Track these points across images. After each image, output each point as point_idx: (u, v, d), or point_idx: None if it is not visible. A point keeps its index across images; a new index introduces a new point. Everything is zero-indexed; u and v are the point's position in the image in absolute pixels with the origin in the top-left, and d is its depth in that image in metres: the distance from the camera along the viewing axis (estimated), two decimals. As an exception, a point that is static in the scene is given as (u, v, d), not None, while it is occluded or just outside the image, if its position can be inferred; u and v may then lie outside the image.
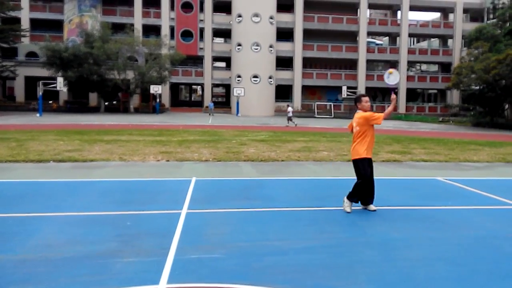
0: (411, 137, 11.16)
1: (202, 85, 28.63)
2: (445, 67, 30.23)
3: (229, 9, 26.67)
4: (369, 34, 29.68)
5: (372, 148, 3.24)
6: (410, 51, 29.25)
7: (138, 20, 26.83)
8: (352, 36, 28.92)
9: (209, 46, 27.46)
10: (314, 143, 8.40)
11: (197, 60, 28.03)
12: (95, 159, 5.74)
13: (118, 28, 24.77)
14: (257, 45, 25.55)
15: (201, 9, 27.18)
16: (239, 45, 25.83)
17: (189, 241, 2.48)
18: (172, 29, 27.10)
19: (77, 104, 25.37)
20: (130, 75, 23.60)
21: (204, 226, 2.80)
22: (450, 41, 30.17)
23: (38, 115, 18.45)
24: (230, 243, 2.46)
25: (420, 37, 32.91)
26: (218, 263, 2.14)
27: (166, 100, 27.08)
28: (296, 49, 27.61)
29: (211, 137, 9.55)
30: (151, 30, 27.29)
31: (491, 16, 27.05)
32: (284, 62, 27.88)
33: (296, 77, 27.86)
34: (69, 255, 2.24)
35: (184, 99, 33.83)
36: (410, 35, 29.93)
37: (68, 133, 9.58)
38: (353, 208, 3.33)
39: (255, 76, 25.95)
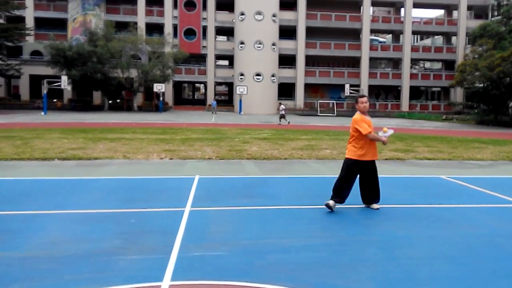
0: (414, 135, 11.04)
1: (205, 83, 28.63)
2: (448, 64, 29.72)
3: (232, 7, 26.52)
4: (372, 31, 29.25)
5: (371, 151, 3.14)
6: (414, 49, 28.75)
7: (141, 18, 26.83)
8: (355, 34, 28.61)
9: (212, 44, 27.40)
10: (316, 141, 8.35)
11: (200, 59, 27.98)
12: (99, 157, 5.77)
13: (121, 26, 24.77)
14: (260, 43, 25.43)
15: (204, 7, 27.10)
16: (242, 43, 25.73)
17: (192, 239, 2.47)
18: (175, 28, 27.07)
19: (81, 102, 25.51)
20: (133, 73, 23.66)
21: (207, 224, 2.80)
22: (454, 39, 29.47)
23: (42, 113, 18.55)
24: (233, 241, 2.46)
25: (423, 34, 32.47)
26: (221, 261, 2.14)
27: (169, 98, 27.12)
28: (299, 47, 27.45)
29: (214, 135, 9.55)
30: (154, 29, 27.29)
31: (496, 13, 26.59)
32: (286, 60, 27.74)
33: (298, 75, 27.72)
34: (73, 252, 2.24)
35: (187, 97, 33.88)
36: (414, 33, 29.50)
37: (72, 131, 9.64)
38: (355, 206, 3.30)
39: (258, 74, 25.84)
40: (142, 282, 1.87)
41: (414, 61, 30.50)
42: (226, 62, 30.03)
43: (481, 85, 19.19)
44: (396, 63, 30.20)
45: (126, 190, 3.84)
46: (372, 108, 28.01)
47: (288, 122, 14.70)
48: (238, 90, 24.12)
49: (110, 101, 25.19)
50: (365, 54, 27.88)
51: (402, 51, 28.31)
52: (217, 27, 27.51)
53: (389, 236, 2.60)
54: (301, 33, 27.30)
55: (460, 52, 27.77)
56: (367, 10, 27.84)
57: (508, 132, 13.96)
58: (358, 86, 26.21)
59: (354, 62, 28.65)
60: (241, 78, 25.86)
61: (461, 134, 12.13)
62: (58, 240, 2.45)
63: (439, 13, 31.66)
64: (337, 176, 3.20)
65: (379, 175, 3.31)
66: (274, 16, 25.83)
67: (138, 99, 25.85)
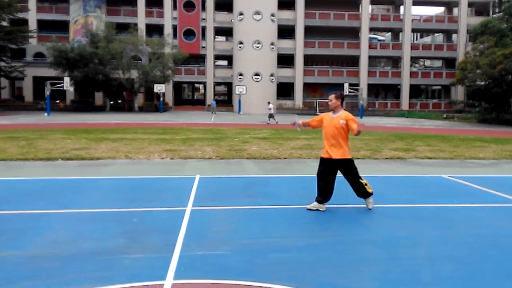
0: (414, 134, 10.89)
1: (204, 83, 28.56)
2: (449, 62, 28.98)
3: (230, 7, 26.41)
4: (371, 30, 28.89)
5: (328, 148, 3.12)
6: (413, 47, 28.17)
7: (141, 20, 26.73)
8: (354, 33, 28.32)
9: (211, 45, 27.29)
10: (316, 141, 8.31)
11: (200, 59, 27.90)
12: (102, 157, 5.77)
13: (122, 28, 24.71)
14: (259, 43, 25.32)
15: (203, 7, 26.97)
16: (241, 43, 25.63)
17: (194, 238, 2.48)
18: (174, 28, 26.95)
19: (83, 103, 25.46)
20: (134, 74, 23.61)
21: (208, 223, 2.80)
22: (454, 36, 28.69)
23: (46, 114, 18.51)
24: (234, 240, 2.46)
25: (423, 32, 31.95)
26: (223, 260, 2.14)
27: (169, 98, 27.05)
28: (298, 46, 27.28)
29: (214, 135, 9.54)
30: (154, 30, 27.19)
31: (497, 9, 26.12)
32: (285, 60, 27.60)
33: (297, 75, 27.58)
34: (77, 251, 2.25)
35: (187, 97, 33.77)
36: (413, 31, 28.85)
37: (75, 132, 9.63)
38: (355, 206, 3.29)
39: (257, 74, 25.77)
40: (146, 281, 1.88)
41: (414, 59, 30.10)
42: (225, 62, 29.94)
43: (483, 83, 18.89)
44: (395, 61, 29.80)
45: (129, 189, 3.84)
46: (372, 107, 27.63)
47: (277, 122, 14.51)
48: (237, 90, 24.08)
49: (111, 102, 25.17)
50: (364, 53, 27.60)
51: (402, 49, 27.77)
52: (216, 27, 27.41)
53: (390, 236, 2.57)
54: (299, 32, 27.11)
55: (461, 50, 27.08)
56: (366, 8, 27.48)
57: (511, 131, 13.80)
58: (357, 85, 25.90)
59: (353, 61, 28.39)
60: (240, 78, 25.80)
61: (463, 132, 11.94)
62: (62, 239, 2.46)
63: (439, 10, 31.33)
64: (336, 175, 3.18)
65: (379, 175, 3.30)
66: (272, 15, 25.70)
67: (139, 100, 25.80)
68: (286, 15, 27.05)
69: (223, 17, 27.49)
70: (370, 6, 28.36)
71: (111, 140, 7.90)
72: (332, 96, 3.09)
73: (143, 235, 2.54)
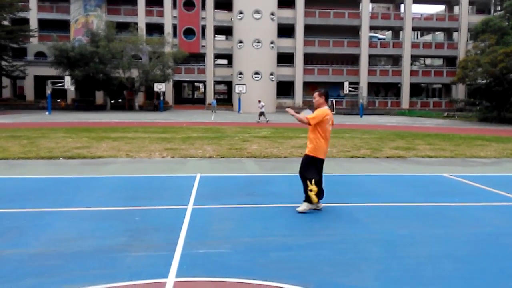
0: (415, 132, 10.74)
1: (204, 82, 28.49)
2: (450, 61, 28.67)
3: (230, 6, 26.29)
4: (372, 28, 28.67)
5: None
6: (414, 45, 27.84)
7: (141, 19, 26.61)
8: (354, 31, 28.13)
9: (211, 44, 27.18)
10: None
11: (199, 58, 27.81)
12: (103, 156, 5.77)
13: (122, 27, 24.61)
14: (258, 42, 25.22)
15: (203, 6, 26.85)
16: (241, 42, 25.55)
17: (195, 236, 2.48)
18: (174, 27, 26.84)
19: (84, 102, 25.42)
20: (134, 73, 23.55)
21: (209, 222, 2.81)
22: (455, 34, 28.38)
23: (47, 113, 18.45)
24: (235, 239, 2.46)
25: (424, 30, 31.69)
26: (225, 258, 2.14)
27: (169, 97, 27.01)
28: (297, 45, 27.15)
29: (214, 134, 9.52)
30: (155, 29, 27.09)
31: (498, 8, 25.87)
32: (285, 59, 27.52)
33: (297, 73, 27.48)
34: (80, 249, 2.26)
35: (187, 96, 33.72)
36: (414, 29, 28.49)
37: (76, 131, 9.62)
38: (354, 204, 3.27)
39: (257, 73, 25.71)
40: (148, 279, 1.88)
41: (414, 58, 29.81)
42: (225, 61, 29.87)
43: (484, 81, 18.65)
44: (396, 60, 29.57)
45: (130, 188, 3.85)
46: (372, 106, 27.42)
47: (267, 121, 14.44)
48: (237, 89, 24.02)
49: (112, 101, 25.11)
50: (364, 51, 27.41)
51: (402, 47, 27.46)
52: (216, 26, 27.28)
53: (391, 235, 2.55)
54: (299, 31, 26.97)
55: (461, 48, 26.87)
56: (366, 6, 27.27)
57: (512, 129, 13.78)
58: (357, 83, 25.74)
59: (353, 60, 28.24)
60: (240, 77, 25.75)
61: (464, 131, 11.80)
62: (65, 237, 2.46)
63: (440, 8, 30.88)
64: (334, 174, 3.21)
65: (380, 173, 3.28)
66: (272, 14, 25.58)
67: (139, 99, 25.75)
68: (286, 14, 26.92)
69: (223, 16, 27.37)
70: (370, 4, 28.09)
71: (112, 139, 7.89)
72: (315, 94, 3.04)
73: (145, 233, 2.55)
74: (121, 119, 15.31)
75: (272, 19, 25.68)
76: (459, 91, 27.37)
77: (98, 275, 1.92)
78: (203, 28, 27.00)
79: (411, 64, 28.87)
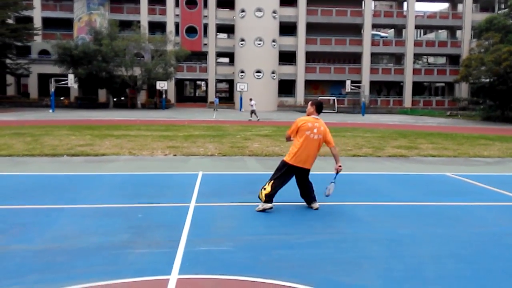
0: (417, 131, 10.59)
1: (206, 80, 28.45)
2: (453, 59, 28.20)
3: (232, 4, 26.13)
4: (374, 26, 28.40)
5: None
6: (417, 43, 27.45)
7: (144, 17, 26.56)
8: (356, 29, 27.84)
9: (213, 42, 27.10)
10: None
11: (201, 56, 27.77)
12: (106, 153, 5.79)
13: (125, 25, 24.58)
14: (260, 40, 25.10)
15: (205, 5, 26.74)
16: (242, 40, 25.45)
17: (198, 234, 2.49)
18: (177, 26, 26.80)
19: (87, 100, 25.50)
20: (137, 71, 23.55)
21: (212, 219, 2.81)
22: (458, 32, 27.85)
23: (50, 111, 18.53)
24: (237, 236, 2.46)
25: (427, 28, 31.30)
26: (227, 256, 2.14)
27: (171, 96, 27.01)
28: (299, 43, 26.96)
29: (216, 132, 9.52)
30: (157, 27, 27.04)
31: (503, 5, 25.43)
32: (287, 57, 27.35)
33: (299, 72, 27.31)
34: (84, 245, 2.27)
35: (188, 94, 33.65)
36: (417, 27, 27.96)
37: (79, 128, 9.65)
38: (356, 203, 3.25)
39: (258, 71, 25.63)
40: (151, 276, 1.89)
41: (417, 56, 28.97)
42: (226, 60, 29.70)
43: (487, 80, 18.38)
44: (398, 58, 29.21)
45: (133, 185, 3.86)
46: (374, 105, 27.18)
47: (258, 119, 14.35)
48: (239, 87, 23.96)
49: (114, 99, 25.17)
50: (366, 50, 27.14)
51: (405, 46, 27.09)
52: (218, 24, 27.16)
53: (393, 234, 2.53)
54: (301, 29, 26.76)
55: (465, 47, 26.36)
56: (369, 4, 26.99)
57: (516, 129, 13.56)
58: (360, 82, 25.47)
59: (355, 58, 27.98)
60: (241, 75, 25.69)
61: (467, 130, 11.65)
62: (69, 233, 2.47)
63: (443, 6, 30.41)
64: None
65: (382, 172, 3.25)
66: (274, 12, 25.42)
67: (142, 97, 25.80)
68: (288, 12, 26.73)
69: (225, 14, 27.22)
70: (373, 2, 27.81)
71: (115, 136, 7.92)
72: (310, 102, 3.12)
73: (148, 230, 2.56)
74: (124, 117, 15.34)
75: (274, 17, 25.51)
76: (462, 90, 27.05)
77: (102, 272, 1.93)
78: (205, 27, 26.90)
79: (414, 63, 28.50)
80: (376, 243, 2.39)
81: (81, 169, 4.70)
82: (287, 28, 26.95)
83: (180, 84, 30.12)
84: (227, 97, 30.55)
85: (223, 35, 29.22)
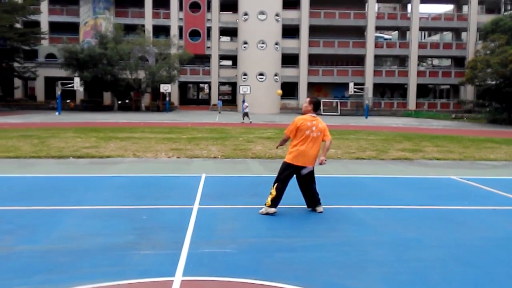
0: (422, 134, 10.42)
1: (209, 83, 28.62)
2: (458, 61, 27.76)
3: (235, 7, 26.32)
4: (378, 28, 27.77)
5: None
6: (421, 45, 27.08)
7: (148, 21, 26.90)
8: (359, 31, 27.69)
9: (216, 45, 27.28)
10: None
11: (205, 59, 27.90)
12: (111, 155, 5.85)
13: (130, 29, 24.92)
14: (263, 43, 25.21)
15: (208, 8, 26.94)
16: (245, 43, 25.59)
17: (201, 236, 2.50)
18: (180, 29, 27.01)
19: (92, 103, 25.81)
20: (141, 74, 23.80)
21: (215, 222, 2.82)
22: (464, 34, 27.48)
23: (57, 113, 18.78)
24: (241, 239, 2.46)
25: (431, 30, 30.93)
26: (230, 258, 2.14)
27: (175, 98, 27.18)
28: (302, 46, 27.00)
29: (219, 134, 9.55)
30: (161, 31, 27.33)
31: (509, 7, 25.26)
32: (289, 59, 27.38)
33: (301, 74, 27.32)
34: (89, 246, 2.29)
35: (192, 97, 33.91)
36: (421, 29, 27.59)
37: (85, 131, 9.76)
38: (360, 206, 3.22)
39: (261, 74, 25.71)
40: (156, 277, 1.90)
41: (421, 58, 28.65)
42: (229, 62, 29.87)
43: (493, 82, 18.14)
44: (402, 60, 28.92)
45: (137, 187, 3.89)
46: (377, 107, 26.90)
47: (250, 122, 14.34)
48: (242, 89, 24.00)
49: (119, 102, 25.45)
50: (370, 52, 26.98)
51: (409, 48, 26.70)
52: (221, 27, 27.36)
53: (398, 237, 2.51)
54: (304, 31, 26.79)
55: (470, 48, 26.02)
56: (372, 6, 26.79)
57: (523, 132, 13.33)
58: (363, 84, 25.35)
59: (359, 60, 27.84)
60: (244, 78, 25.78)
61: (472, 133, 11.46)
62: (75, 234, 2.50)
63: (448, 8, 30.06)
64: (339, 175, 3.18)
65: (386, 175, 3.21)
66: (277, 15, 25.53)
67: (146, 100, 26.05)
68: (290, 15, 26.78)
69: (228, 18, 27.42)
70: (377, 4, 27.58)
71: (119, 139, 7.99)
72: (307, 100, 3.03)
73: (152, 232, 2.57)
74: (128, 119, 15.47)
75: (276, 20, 25.62)
76: (468, 92, 26.66)
77: (107, 272, 1.95)
78: (209, 30, 27.10)
79: (418, 65, 28.19)
80: (381, 247, 2.36)
81: (87, 170, 4.76)
82: (290, 31, 27.00)
83: (183, 87, 30.36)
84: (230, 99, 30.69)
85: (226, 38, 29.43)
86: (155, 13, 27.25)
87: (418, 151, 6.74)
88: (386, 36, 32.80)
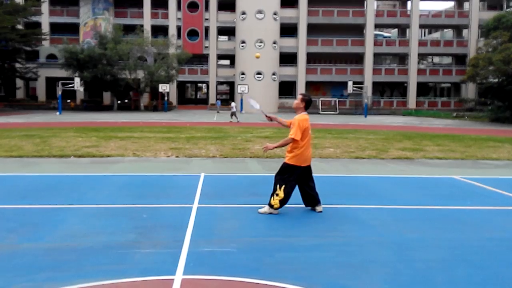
0: (423, 133, 10.05)
1: (207, 83, 28.49)
2: (459, 59, 26.93)
3: (233, 7, 26.07)
4: (377, 26, 27.14)
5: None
6: (421, 43, 26.34)
7: (147, 21, 26.65)
8: (358, 29, 26.74)
9: (214, 45, 27.05)
10: (319, 140, 8.01)
11: (203, 59, 27.70)
12: (111, 154, 5.83)
13: (129, 29, 24.68)
14: (261, 42, 24.93)
15: (206, 8, 26.69)
16: (243, 42, 25.38)
17: (201, 235, 2.49)
18: (179, 29, 26.79)
19: (92, 102, 25.64)
20: (140, 74, 23.64)
21: (215, 221, 2.81)
22: (465, 32, 26.68)
23: (58, 113, 18.63)
24: (240, 238, 2.44)
25: (432, 28, 29.75)
26: (231, 257, 2.13)
27: (173, 98, 27.00)
28: (300, 44, 26.62)
29: (217, 133, 9.50)
30: (159, 31, 27.12)
31: (511, 3, 24.72)
32: (287, 58, 27.12)
33: (299, 73, 26.98)
34: (91, 244, 2.30)
35: (190, 97, 33.68)
36: (421, 26, 26.93)
37: (85, 130, 9.69)
38: (360, 206, 3.13)
39: (259, 73, 25.57)
40: (157, 275, 1.91)
41: (421, 56, 27.86)
42: (227, 62, 29.67)
43: (496, 80, 17.64)
44: (402, 58, 28.30)
45: (137, 186, 3.88)
46: (377, 106, 26.32)
47: (238, 121, 14.42)
48: (239, 89, 23.96)
49: (118, 101, 25.30)
50: (369, 50, 26.16)
51: (409, 46, 25.97)
52: (219, 27, 27.12)
53: (400, 238, 2.44)
54: (302, 30, 26.36)
55: (472, 46, 25.16)
56: (371, 4, 26.08)
57: (527, 130, 12.98)
58: (362, 83, 24.92)
59: (358, 59, 27.33)
60: (242, 77, 25.64)
61: (474, 132, 11.03)
62: (77, 233, 2.50)
63: (449, 5, 29.66)
64: (339, 175, 3.10)
65: (387, 175, 3.12)
66: (275, 14, 25.26)
67: (145, 99, 25.89)
68: (289, 13, 26.39)
69: (226, 17, 27.15)
70: (376, 2, 27.10)
71: (119, 138, 7.95)
72: (299, 97, 2.90)
73: (152, 230, 2.58)
74: (128, 119, 15.37)
75: (274, 19, 25.36)
76: (469, 90, 25.95)
77: (110, 271, 1.96)
78: (207, 29, 26.88)
79: (418, 63, 27.46)
80: (383, 247, 2.29)
81: (88, 170, 4.75)
82: (288, 30, 26.68)
83: (181, 87, 30.17)
84: (228, 99, 30.56)
85: (224, 38, 29.17)
86: (153, 13, 26.98)
87: (419, 150, 6.52)
88: (385, 34, 32.09)
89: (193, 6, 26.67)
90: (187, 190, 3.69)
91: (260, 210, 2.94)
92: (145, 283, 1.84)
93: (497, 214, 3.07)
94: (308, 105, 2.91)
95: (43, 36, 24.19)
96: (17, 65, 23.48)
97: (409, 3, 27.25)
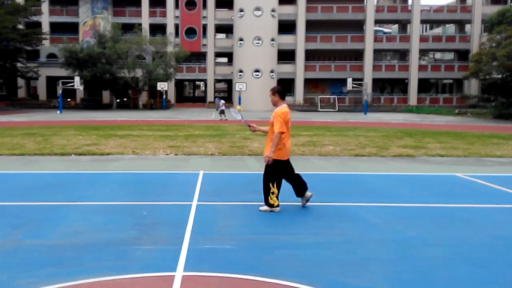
0: (424, 130, 9.74)
1: (205, 81, 28.25)
2: (462, 54, 25.76)
3: (231, 4, 25.66)
4: (377, 22, 25.96)
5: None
6: (423, 39, 25.25)
7: (145, 19, 26.33)
8: (358, 25, 25.69)
9: (212, 42, 26.71)
10: (318, 137, 7.81)
11: (200, 57, 27.39)
12: (111, 152, 5.81)
13: (127, 28, 24.36)
14: (259, 39, 24.58)
15: (204, 5, 26.35)
16: (241, 40, 25.06)
17: (201, 232, 2.49)
18: (176, 27, 26.48)
19: (92, 101, 25.41)
20: (138, 73, 23.42)
21: (214, 218, 2.80)
22: (467, 27, 25.69)
23: (58, 112, 18.48)
24: (240, 236, 2.43)
25: (433, 23, 28.14)
26: (230, 254, 2.12)
27: (171, 96, 26.71)
28: (299, 41, 26.03)
29: (216, 131, 9.45)
30: (158, 29, 26.82)
31: None
32: (286, 55, 26.63)
33: (298, 70, 26.48)
34: (93, 241, 2.30)
35: (188, 95, 33.34)
36: (423, 22, 25.87)
37: (86, 129, 9.64)
38: (361, 204, 3.09)
39: (257, 71, 25.33)
40: (157, 272, 1.91)
41: (423, 52, 26.64)
42: (225, 60, 29.19)
43: (499, 76, 16.66)
44: (403, 54, 27.36)
45: (137, 183, 3.87)
46: (377, 103, 25.56)
47: (226, 119, 14.26)
48: (237, 87, 23.75)
49: (118, 100, 25.08)
50: (369, 46, 25.16)
51: (410, 41, 24.93)
52: (217, 25, 26.75)
53: (401, 236, 2.38)
54: (300, 27, 25.75)
55: (475, 41, 24.21)
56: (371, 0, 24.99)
57: (530, 127, 12.63)
58: (362, 79, 24.19)
59: (357, 55, 26.28)
60: (240, 75, 25.39)
61: (477, 129, 10.66)
62: (79, 229, 2.50)
63: None
64: (339, 172, 3.03)
65: (388, 173, 3.05)
66: (273, 11, 24.86)
67: (143, 98, 25.68)
68: (287, 10, 25.79)
69: (223, 14, 26.79)
70: (376, -3, 26.11)
71: (119, 136, 7.91)
72: (270, 93, 2.83)
73: (153, 227, 2.58)
74: (127, 117, 15.27)
75: (272, 16, 24.95)
76: (472, 87, 24.61)
77: (112, 267, 1.96)
78: (204, 27, 26.56)
79: (420, 59, 25.93)
80: (384, 245, 2.24)
81: (88, 167, 4.73)
82: (286, 26, 26.12)
83: (179, 85, 29.90)
84: (226, 97, 30.35)
85: (221, 35, 28.76)
86: (151, 12, 26.63)
87: (421, 148, 6.34)
88: (385, 30, 30.94)
89: (191, 4, 26.33)
90: (187, 188, 3.69)
91: (261, 208, 2.93)
92: (146, 279, 1.85)
93: (500, 212, 2.98)
94: (282, 94, 2.83)
95: (43, 36, 23.90)
96: (18, 64, 23.27)
97: (410, -2, 26.34)
